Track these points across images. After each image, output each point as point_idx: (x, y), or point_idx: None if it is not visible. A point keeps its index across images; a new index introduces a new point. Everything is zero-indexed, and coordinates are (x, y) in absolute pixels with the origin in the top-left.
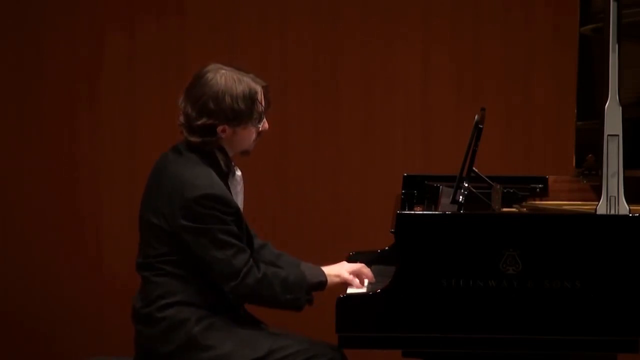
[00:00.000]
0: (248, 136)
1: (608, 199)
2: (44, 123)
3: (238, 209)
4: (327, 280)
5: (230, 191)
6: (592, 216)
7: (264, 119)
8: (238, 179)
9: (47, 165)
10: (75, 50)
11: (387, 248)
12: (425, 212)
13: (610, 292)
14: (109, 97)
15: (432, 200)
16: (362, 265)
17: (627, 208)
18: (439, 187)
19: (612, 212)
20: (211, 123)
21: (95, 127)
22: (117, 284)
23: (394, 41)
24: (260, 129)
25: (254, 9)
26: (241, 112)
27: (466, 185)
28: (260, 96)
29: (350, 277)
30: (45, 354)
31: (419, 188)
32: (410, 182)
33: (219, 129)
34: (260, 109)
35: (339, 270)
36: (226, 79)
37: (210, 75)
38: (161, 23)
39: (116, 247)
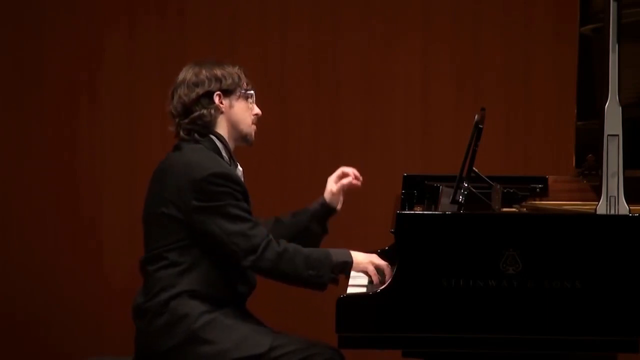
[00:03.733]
0: (245, 111)
1: (608, 199)
2: (44, 123)
3: (246, 189)
4: (352, 261)
5: None
6: (592, 216)
7: (254, 99)
8: (240, 173)
9: (47, 165)
10: (75, 50)
11: (387, 248)
12: (425, 212)
13: (610, 292)
14: (109, 97)
15: (432, 200)
16: (387, 264)
17: (627, 208)
18: (439, 187)
19: (612, 212)
20: (205, 91)
21: (95, 127)
22: (117, 284)
23: (394, 41)
24: (253, 110)
25: (254, 9)
26: (231, 75)
27: (466, 185)
28: (241, 72)
29: (373, 271)
30: (46, 354)
31: (419, 188)
32: (410, 182)
33: (216, 97)
34: (247, 81)
35: (366, 258)
36: (205, 61)
37: (189, 65)
38: (161, 23)
39: (116, 247)
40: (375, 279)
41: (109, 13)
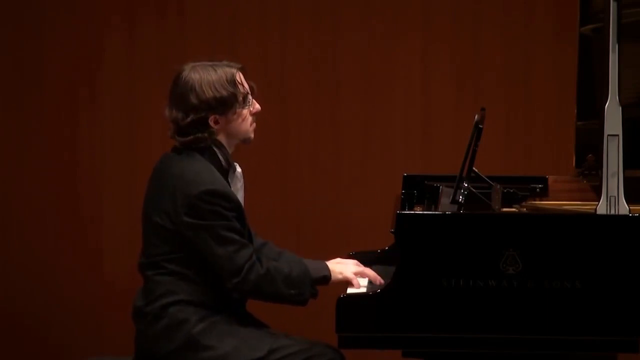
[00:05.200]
0: (242, 121)
1: (608, 199)
2: (44, 123)
3: (240, 204)
4: (330, 275)
5: (230, 187)
6: (592, 216)
7: (253, 100)
8: (239, 175)
9: (47, 165)
10: (75, 50)
11: (387, 248)
12: (425, 212)
13: (610, 292)
14: (108, 97)
15: (432, 200)
16: (368, 269)
17: (627, 208)
18: (439, 187)
19: (612, 212)
20: (199, 118)
21: (95, 127)
22: (117, 284)
23: (394, 41)
24: (252, 111)
25: (254, 9)
26: (224, 98)
27: (466, 185)
28: (239, 78)
29: (353, 277)
30: (46, 354)
31: (419, 188)
32: (410, 182)
33: (210, 121)
34: (244, 90)
35: (343, 268)
36: (200, 71)
37: (184, 73)
38: (161, 23)
39: (116, 247)
40: (355, 283)
41: (109, 13)
